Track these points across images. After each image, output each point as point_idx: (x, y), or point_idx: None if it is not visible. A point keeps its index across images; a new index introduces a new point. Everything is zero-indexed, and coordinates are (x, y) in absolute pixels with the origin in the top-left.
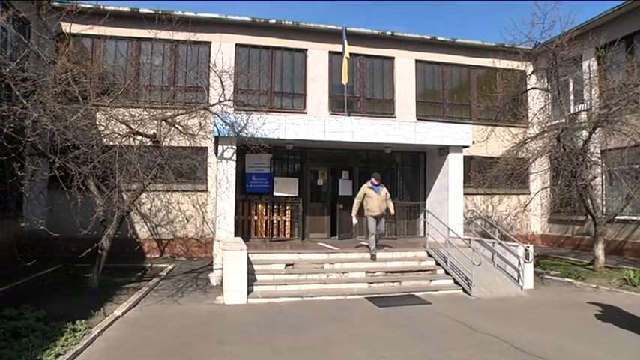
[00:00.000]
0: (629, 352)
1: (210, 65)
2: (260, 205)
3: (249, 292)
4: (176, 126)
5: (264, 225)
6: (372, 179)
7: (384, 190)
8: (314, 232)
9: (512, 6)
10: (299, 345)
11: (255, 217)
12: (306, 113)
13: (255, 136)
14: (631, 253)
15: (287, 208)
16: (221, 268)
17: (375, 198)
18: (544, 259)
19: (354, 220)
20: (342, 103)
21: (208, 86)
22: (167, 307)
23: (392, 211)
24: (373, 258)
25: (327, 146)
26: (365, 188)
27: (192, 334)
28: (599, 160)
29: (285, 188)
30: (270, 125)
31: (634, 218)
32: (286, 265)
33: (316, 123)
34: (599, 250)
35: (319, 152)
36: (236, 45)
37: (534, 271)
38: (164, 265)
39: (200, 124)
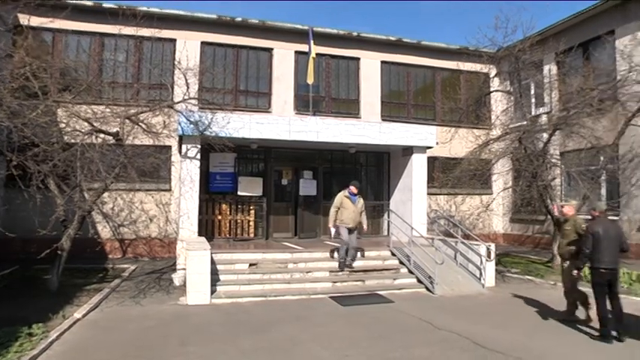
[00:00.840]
0: (583, 346)
1: (175, 63)
2: (224, 205)
3: (212, 292)
4: (140, 124)
5: (228, 224)
6: (351, 187)
7: (360, 201)
8: (278, 232)
9: (477, 10)
10: (263, 345)
11: (219, 217)
12: (271, 112)
13: (220, 135)
14: None
15: (251, 207)
16: (184, 269)
17: (350, 209)
18: (505, 257)
19: (333, 230)
20: (307, 102)
21: (173, 84)
22: (129, 309)
23: (365, 226)
24: (341, 267)
25: (292, 146)
26: (341, 197)
27: (155, 336)
28: (559, 162)
29: (250, 188)
30: (235, 124)
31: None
32: (250, 264)
33: (281, 122)
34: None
35: (284, 152)
36: (202, 43)
37: (496, 270)
38: (126, 266)
39: (164, 122)
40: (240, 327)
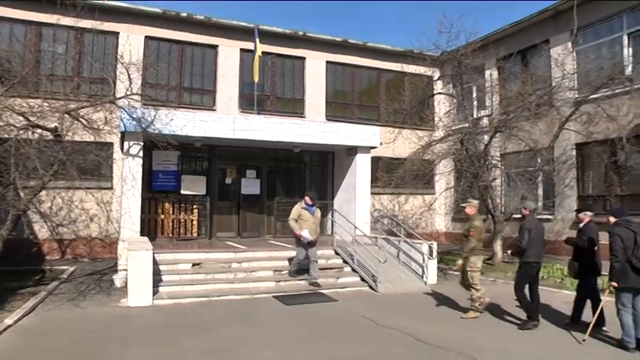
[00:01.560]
0: (518, 337)
1: (118, 57)
2: (167, 204)
3: (154, 293)
4: (80, 119)
5: (171, 224)
6: (306, 198)
7: (318, 212)
8: (222, 231)
9: (421, 13)
10: (206, 346)
11: (162, 216)
12: (215, 110)
13: (163, 133)
14: None
15: (195, 206)
16: (126, 269)
17: (310, 221)
18: (447, 255)
19: (305, 233)
20: (252, 101)
21: (115, 79)
22: (67, 313)
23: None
24: (291, 275)
25: (236, 144)
26: (299, 209)
27: (94, 340)
28: (499, 163)
29: (193, 186)
30: (179, 121)
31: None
32: (193, 264)
33: (225, 121)
34: (498, 247)
35: (228, 150)
36: (145, 37)
37: (438, 267)
38: (65, 267)
39: (105, 118)
40: (182, 328)
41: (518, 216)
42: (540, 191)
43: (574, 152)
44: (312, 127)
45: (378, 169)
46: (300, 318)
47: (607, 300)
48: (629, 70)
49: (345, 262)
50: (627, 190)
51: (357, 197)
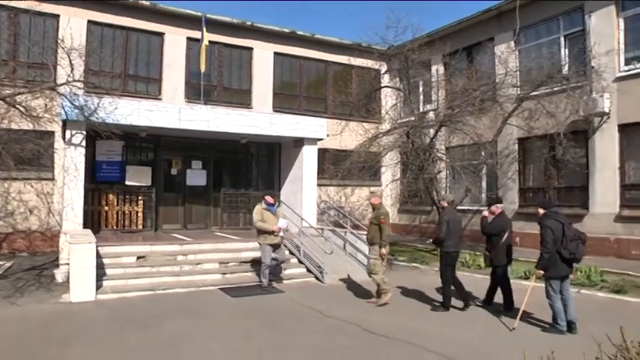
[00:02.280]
0: (462, 325)
1: (59, 41)
2: (111, 195)
3: (98, 287)
4: (17, 106)
5: (115, 216)
6: (267, 198)
7: (280, 210)
8: (167, 223)
9: (370, 7)
10: (151, 341)
11: (106, 208)
12: (161, 99)
13: (107, 122)
14: (469, 239)
15: (140, 198)
16: (68, 264)
17: (273, 222)
18: (393, 246)
19: (283, 223)
20: (198, 91)
21: (55, 64)
22: (2, 311)
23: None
24: (266, 288)
25: (182, 134)
26: (260, 210)
27: (33, 339)
28: (444, 156)
29: (138, 177)
30: (123, 110)
31: (471, 208)
32: (138, 257)
33: (171, 110)
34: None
35: (174, 140)
36: (88, 22)
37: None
38: (1, 263)
39: (45, 105)
40: (127, 323)
41: (462, 207)
42: (484, 184)
43: (516, 146)
44: (259, 119)
45: (325, 160)
46: (246, 310)
47: (535, 286)
48: (565, 69)
49: (291, 253)
50: (564, 183)
51: (303, 189)
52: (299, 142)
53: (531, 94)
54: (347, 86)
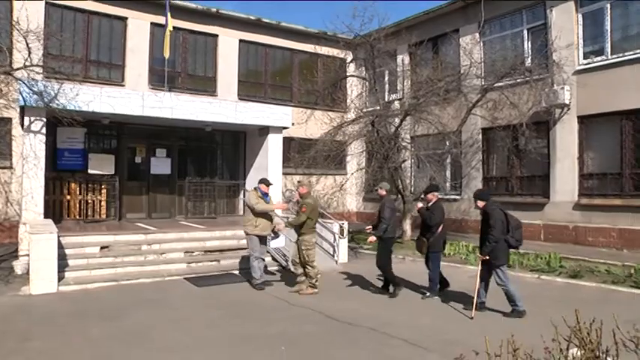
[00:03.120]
0: (429, 314)
1: (14, 23)
2: (73, 184)
3: (60, 279)
4: None
5: (77, 205)
6: (261, 187)
7: (272, 201)
8: (132, 212)
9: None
10: (115, 332)
11: (68, 197)
12: (124, 86)
13: (68, 108)
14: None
15: (103, 186)
16: (28, 255)
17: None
18: (359, 234)
19: (279, 243)
20: (162, 77)
21: (11, 48)
22: None
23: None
24: (259, 286)
25: (145, 122)
26: (257, 197)
27: None
28: (409, 145)
29: (101, 165)
30: (85, 96)
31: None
32: (101, 247)
33: (134, 97)
34: (407, 225)
35: (138, 128)
36: (46, 3)
37: (349, 247)
38: None
39: (1, 90)
40: (90, 315)
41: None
42: (448, 173)
43: (480, 136)
44: (223, 106)
45: (290, 149)
46: (212, 299)
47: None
48: (528, 61)
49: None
50: (526, 172)
51: (268, 177)
52: (264, 131)
53: (495, 85)
54: (313, 75)
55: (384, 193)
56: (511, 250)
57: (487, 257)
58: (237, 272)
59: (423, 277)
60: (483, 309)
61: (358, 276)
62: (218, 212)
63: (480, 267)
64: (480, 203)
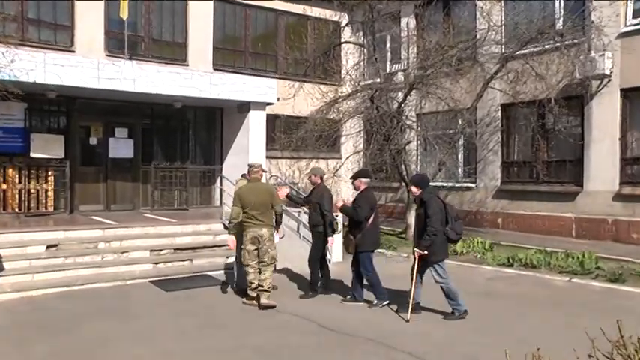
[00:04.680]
0: (439, 323)
1: None
2: (11, 170)
3: None
4: None
5: (17, 196)
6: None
7: None
8: (86, 204)
9: None
10: (64, 348)
11: (5, 186)
12: (74, 52)
13: (2, 79)
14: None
15: (49, 173)
16: None
17: None
18: None
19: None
20: (122, 43)
21: None
22: None
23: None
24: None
25: (102, 96)
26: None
27: None
28: (414, 124)
29: (47, 148)
30: (24, 64)
31: (446, 185)
32: (48, 246)
33: (88, 66)
34: (412, 218)
35: (92, 103)
36: None
37: (344, 243)
38: None
39: None
40: (32, 328)
41: (435, 184)
42: (460, 157)
43: (499, 114)
44: (196, 78)
45: (276, 128)
46: (183, 306)
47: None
48: (559, 23)
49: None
50: (554, 156)
51: (249, 162)
52: (244, 107)
53: (518, 52)
54: (301, 41)
55: (318, 180)
56: (536, 248)
57: (426, 252)
58: (213, 273)
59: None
60: (419, 310)
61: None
62: (190, 203)
63: (416, 263)
64: (415, 190)
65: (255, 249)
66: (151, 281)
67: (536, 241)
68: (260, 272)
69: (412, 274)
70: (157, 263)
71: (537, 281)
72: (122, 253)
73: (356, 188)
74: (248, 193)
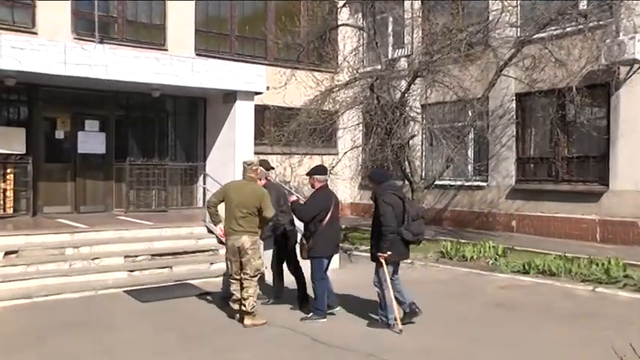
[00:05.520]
0: (439, 334)
1: None
2: None
3: None
4: None
5: None
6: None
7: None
8: (51, 205)
9: None
10: None
11: None
12: (36, 34)
13: None
14: (450, 223)
15: (8, 170)
16: None
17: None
18: (353, 232)
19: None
20: (92, 24)
21: None
22: None
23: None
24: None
25: (69, 84)
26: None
27: None
28: (419, 116)
29: (5, 142)
30: None
31: (454, 183)
32: (6, 253)
33: (52, 50)
34: None
35: (58, 92)
36: None
37: (341, 248)
38: None
39: None
40: None
41: (442, 183)
42: (470, 152)
43: (513, 104)
44: (176, 64)
45: (265, 121)
46: (162, 318)
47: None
48: (583, 3)
49: (220, 242)
50: (576, 152)
51: (236, 158)
52: (230, 97)
53: (535, 36)
54: (293, 24)
55: (263, 181)
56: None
57: (388, 253)
58: (195, 282)
59: (437, 287)
60: (414, 313)
61: (351, 286)
62: (170, 204)
63: (384, 269)
64: (373, 186)
65: (237, 260)
66: (125, 291)
67: (556, 245)
68: (242, 287)
69: (385, 281)
70: (132, 271)
71: (557, 291)
72: (93, 259)
73: (312, 186)
74: (233, 189)
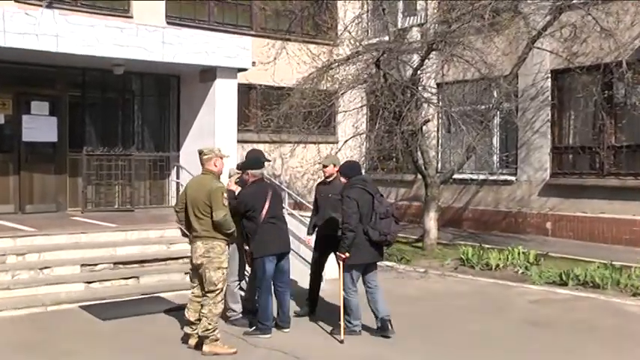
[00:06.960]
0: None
1: None
2: None
3: None
4: None
5: None
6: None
7: None
8: None
9: None
10: None
11: None
12: None
13: None
14: (471, 224)
15: None
16: None
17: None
18: None
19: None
20: None
21: None
22: None
23: None
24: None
25: (11, 58)
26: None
27: None
28: (434, 97)
29: None
30: None
31: (476, 177)
32: None
33: None
34: (431, 222)
35: None
36: None
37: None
38: None
39: None
40: None
41: (462, 177)
42: (496, 140)
43: (548, 83)
44: (143, 35)
45: (251, 102)
46: (126, 339)
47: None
48: None
49: None
50: (626, 140)
51: (216, 145)
52: (208, 74)
53: (575, 1)
54: None
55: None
56: (599, 262)
57: (347, 255)
58: (166, 295)
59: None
60: (385, 329)
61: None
62: (136, 202)
63: (342, 271)
64: (343, 179)
65: (195, 272)
66: (81, 307)
67: (600, 252)
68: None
69: (347, 285)
70: (90, 282)
71: (601, 306)
72: (41, 269)
73: (245, 182)
74: (190, 187)
